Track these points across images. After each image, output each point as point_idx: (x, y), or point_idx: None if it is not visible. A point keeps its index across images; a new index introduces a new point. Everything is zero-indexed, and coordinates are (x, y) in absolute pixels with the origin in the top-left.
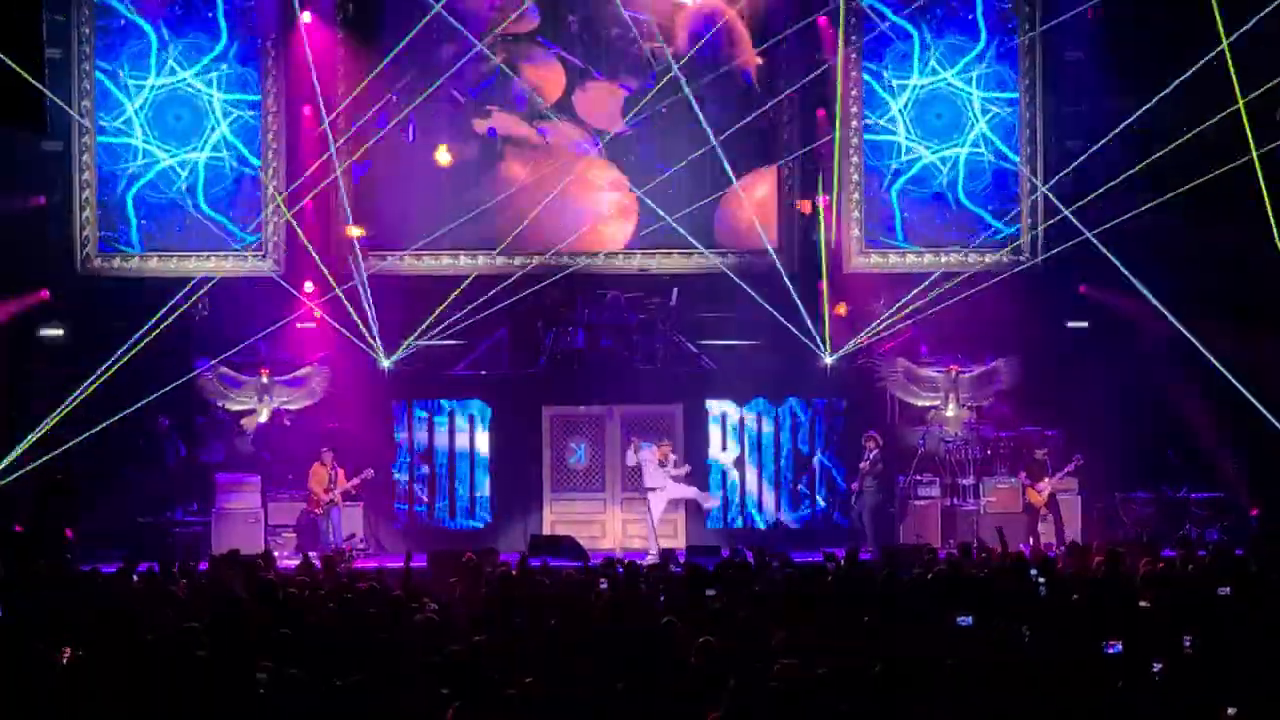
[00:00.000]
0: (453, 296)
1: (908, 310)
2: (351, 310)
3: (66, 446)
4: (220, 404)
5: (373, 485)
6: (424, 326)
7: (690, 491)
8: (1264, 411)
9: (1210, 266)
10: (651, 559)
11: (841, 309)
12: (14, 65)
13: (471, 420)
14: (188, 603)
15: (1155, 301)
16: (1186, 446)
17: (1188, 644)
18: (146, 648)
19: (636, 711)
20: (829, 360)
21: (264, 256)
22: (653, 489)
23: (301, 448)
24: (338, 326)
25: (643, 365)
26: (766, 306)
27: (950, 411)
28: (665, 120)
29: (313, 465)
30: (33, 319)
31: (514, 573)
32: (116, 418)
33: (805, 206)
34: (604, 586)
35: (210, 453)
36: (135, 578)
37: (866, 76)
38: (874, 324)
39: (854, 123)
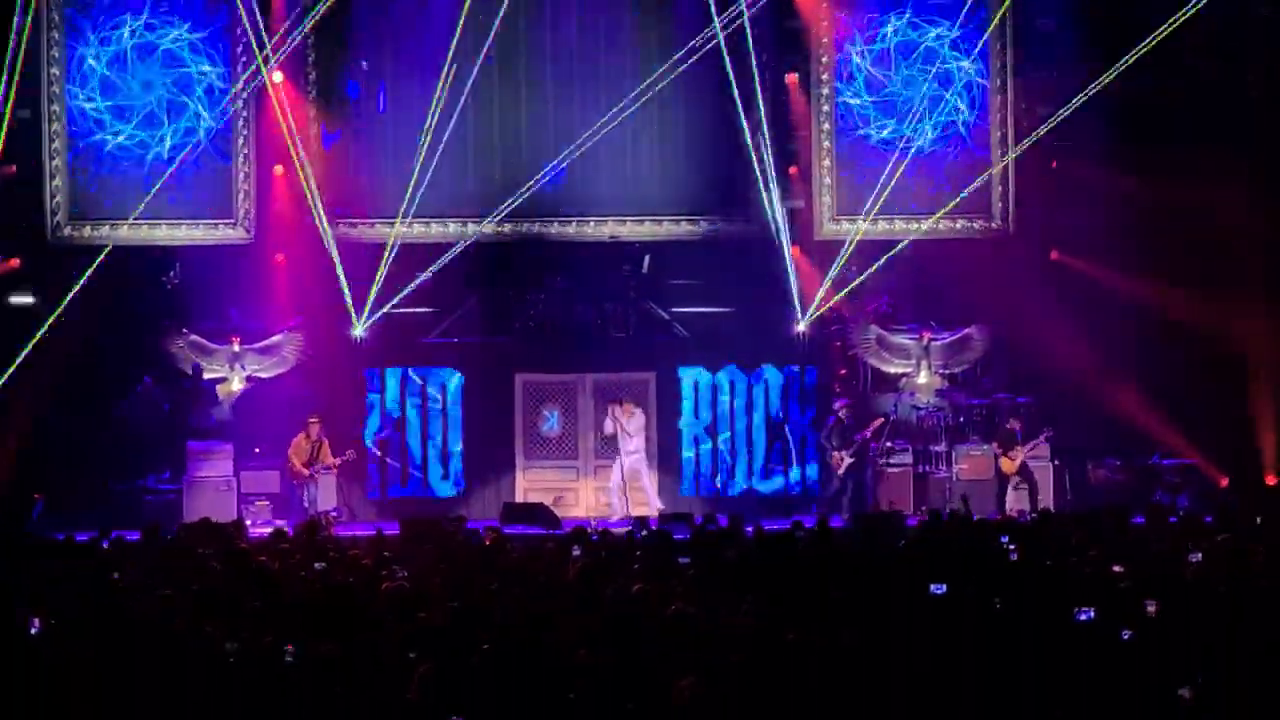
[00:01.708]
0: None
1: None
2: (321, 278)
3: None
4: (196, 369)
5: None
6: (381, 291)
7: (643, 480)
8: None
9: (1180, 231)
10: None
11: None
12: None
13: (443, 387)
14: (159, 571)
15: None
16: (1161, 412)
17: (1152, 610)
18: (117, 617)
19: (606, 678)
20: (801, 327)
21: (235, 225)
22: (629, 453)
23: (276, 416)
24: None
25: (615, 332)
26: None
27: (922, 378)
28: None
29: (296, 436)
30: (3, 287)
31: (486, 541)
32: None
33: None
34: (576, 554)
35: (196, 418)
36: (106, 545)
37: (864, 38)
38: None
39: (825, 89)
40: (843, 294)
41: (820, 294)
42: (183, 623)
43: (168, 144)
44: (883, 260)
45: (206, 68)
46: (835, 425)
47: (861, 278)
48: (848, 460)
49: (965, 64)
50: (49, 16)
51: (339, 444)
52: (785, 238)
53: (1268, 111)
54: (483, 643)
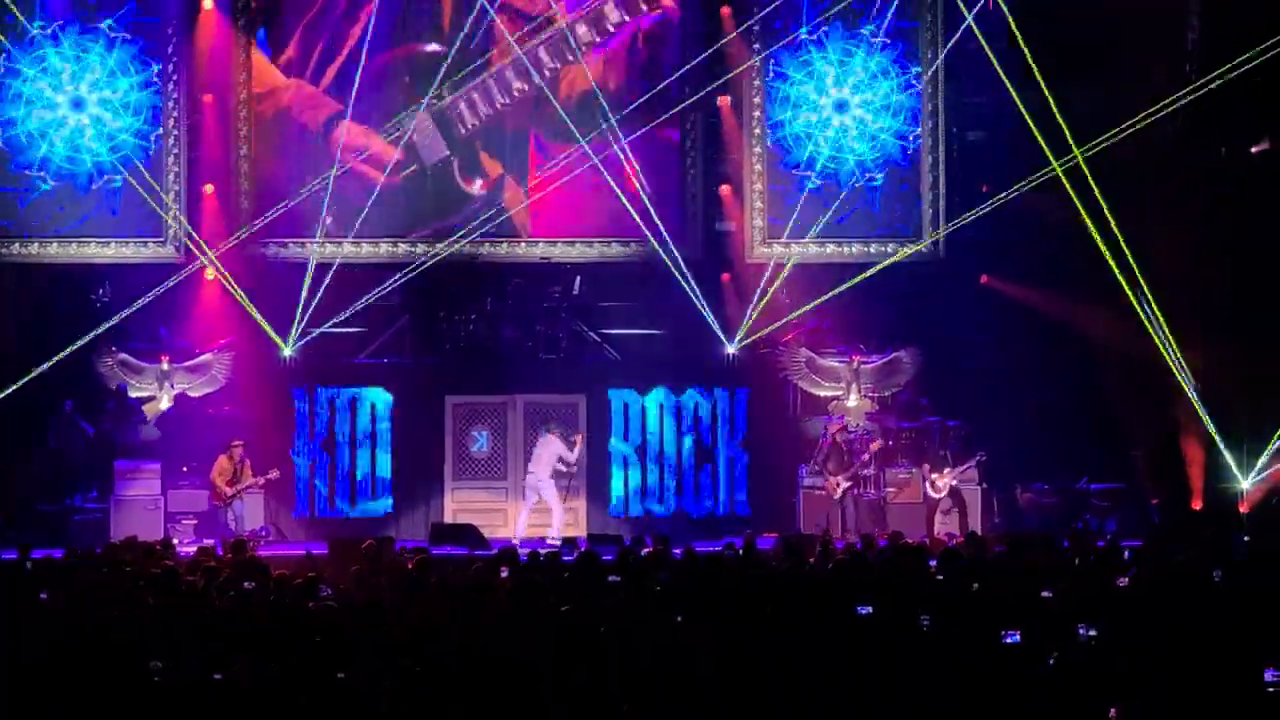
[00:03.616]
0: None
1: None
2: (251, 297)
3: None
4: (122, 390)
5: None
6: (311, 311)
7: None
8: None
9: (1112, 255)
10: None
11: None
12: None
13: (373, 408)
14: (85, 590)
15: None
16: (1090, 436)
17: (1083, 635)
18: (42, 637)
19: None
20: (731, 350)
21: (164, 243)
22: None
23: (204, 435)
24: (251, 308)
25: (545, 354)
26: (691, 293)
27: (852, 401)
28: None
29: (218, 457)
30: None
31: (409, 564)
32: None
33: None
34: (505, 575)
35: (121, 435)
36: (29, 565)
37: (794, 62)
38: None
39: (756, 112)
40: (778, 322)
41: (751, 317)
42: (107, 642)
43: (98, 161)
44: (785, 275)
45: (137, 86)
46: (832, 448)
47: (800, 309)
48: (844, 485)
49: (896, 88)
50: None
51: (267, 464)
52: (713, 261)
53: (1191, 137)
54: (414, 661)
